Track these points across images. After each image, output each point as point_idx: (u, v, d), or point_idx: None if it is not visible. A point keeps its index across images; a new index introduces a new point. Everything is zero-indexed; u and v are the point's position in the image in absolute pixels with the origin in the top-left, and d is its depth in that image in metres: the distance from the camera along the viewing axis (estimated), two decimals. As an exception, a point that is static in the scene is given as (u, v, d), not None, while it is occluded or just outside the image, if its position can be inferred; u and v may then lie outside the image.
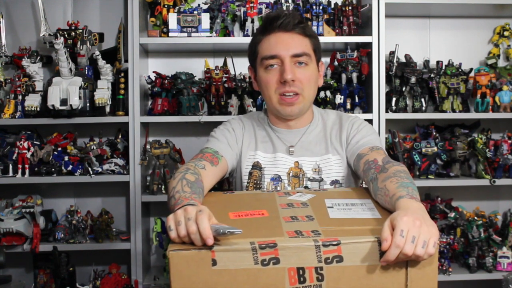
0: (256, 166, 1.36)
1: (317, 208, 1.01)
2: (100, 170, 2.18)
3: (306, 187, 1.33)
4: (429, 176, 2.23)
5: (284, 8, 2.21)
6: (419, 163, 2.20)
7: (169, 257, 0.83)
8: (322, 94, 2.21)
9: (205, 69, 2.32)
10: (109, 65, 2.20)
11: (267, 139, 1.41)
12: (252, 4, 2.20)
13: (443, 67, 2.32)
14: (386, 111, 2.21)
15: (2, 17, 2.33)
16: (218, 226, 0.83)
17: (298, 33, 1.32)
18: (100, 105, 2.14)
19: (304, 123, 1.41)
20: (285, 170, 1.35)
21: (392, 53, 2.28)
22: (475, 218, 2.24)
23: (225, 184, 2.08)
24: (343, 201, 1.06)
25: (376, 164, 1.19)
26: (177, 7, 2.23)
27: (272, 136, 1.41)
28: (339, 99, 2.20)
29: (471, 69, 2.34)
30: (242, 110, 2.23)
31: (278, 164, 1.35)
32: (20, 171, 2.13)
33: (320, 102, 2.24)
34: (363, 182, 1.46)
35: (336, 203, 1.04)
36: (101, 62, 2.15)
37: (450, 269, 2.17)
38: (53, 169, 2.15)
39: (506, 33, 2.43)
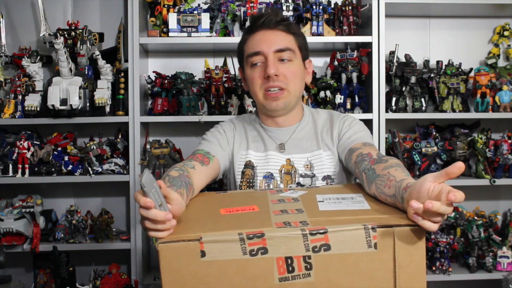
0: (249, 165, 1.38)
1: (308, 202, 1.02)
2: (100, 170, 2.18)
3: (298, 184, 1.35)
4: (429, 176, 2.23)
5: (284, 8, 2.21)
6: (419, 163, 2.20)
7: (158, 249, 0.84)
8: (322, 94, 2.21)
9: (205, 69, 2.32)
10: (109, 65, 2.20)
11: (258, 138, 1.43)
12: (252, 4, 2.20)
13: (443, 67, 2.32)
14: (386, 111, 2.21)
15: (2, 17, 2.33)
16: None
17: (281, 30, 1.35)
18: (100, 105, 2.14)
19: (294, 121, 1.42)
20: (277, 168, 1.36)
21: (392, 53, 2.28)
22: (475, 218, 2.24)
23: (225, 185, 2.08)
24: (334, 195, 1.07)
25: (370, 157, 1.19)
26: (177, 7, 2.23)
27: (263, 135, 1.43)
28: (339, 99, 2.20)
29: (471, 69, 2.34)
30: (242, 110, 2.23)
31: (270, 162, 1.37)
32: (20, 171, 2.13)
33: (320, 102, 2.24)
34: (355, 178, 1.46)
35: (327, 198, 1.05)
36: (101, 62, 2.15)
37: (450, 269, 2.17)
38: (53, 169, 2.15)
39: (506, 33, 2.43)
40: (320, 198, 1.04)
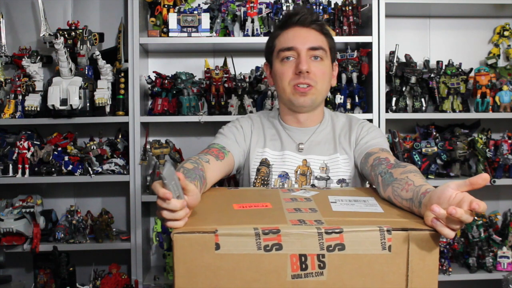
0: (264, 163, 1.38)
1: (320, 202, 1.02)
2: (100, 170, 2.18)
3: (313, 186, 1.34)
4: (429, 176, 2.23)
5: (284, 8, 2.21)
6: (419, 163, 2.20)
7: (173, 239, 0.84)
8: (322, 94, 2.21)
9: (205, 69, 2.32)
10: (109, 65, 2.20)
11: (276, 137, 1.42)
12: (252, 4, 2.20)
13: (443, 67, 2.32)
14: (386, 111, 2.21)
15: (2, 17, 2.33)
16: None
17: (315, 29, 1.36)
18: (100, 105, 2.14)
19: (314, 122, 1.43)
20: (293, 168, 1.36)
21: (392, 53, 2.28)
22: (475, 218, 2.24)
23: (225, 184, 2.09)
24: (346, 197, 1.07)
25: (388, 162, 1.19)
26: (177, 7, 2.23)
27: (281, 133, 1.42)
28: (339, 99, 2.21)
29: (471, 69, 2.34)
30: (242, 110, 2.23)
31: (286, 162, 1.37)
32: (20, 171, 2.13)
33: (320, 102, 2.24)
34: (369, 183, 1.46)
35: (339, 199, 1.05)
36: (101, 62, 2.15)
37: (450, 269, 2.17)
38: (53, 169, 2.15)
39: (506, 33, 2.43)
40: (332, 199, 1.04)
